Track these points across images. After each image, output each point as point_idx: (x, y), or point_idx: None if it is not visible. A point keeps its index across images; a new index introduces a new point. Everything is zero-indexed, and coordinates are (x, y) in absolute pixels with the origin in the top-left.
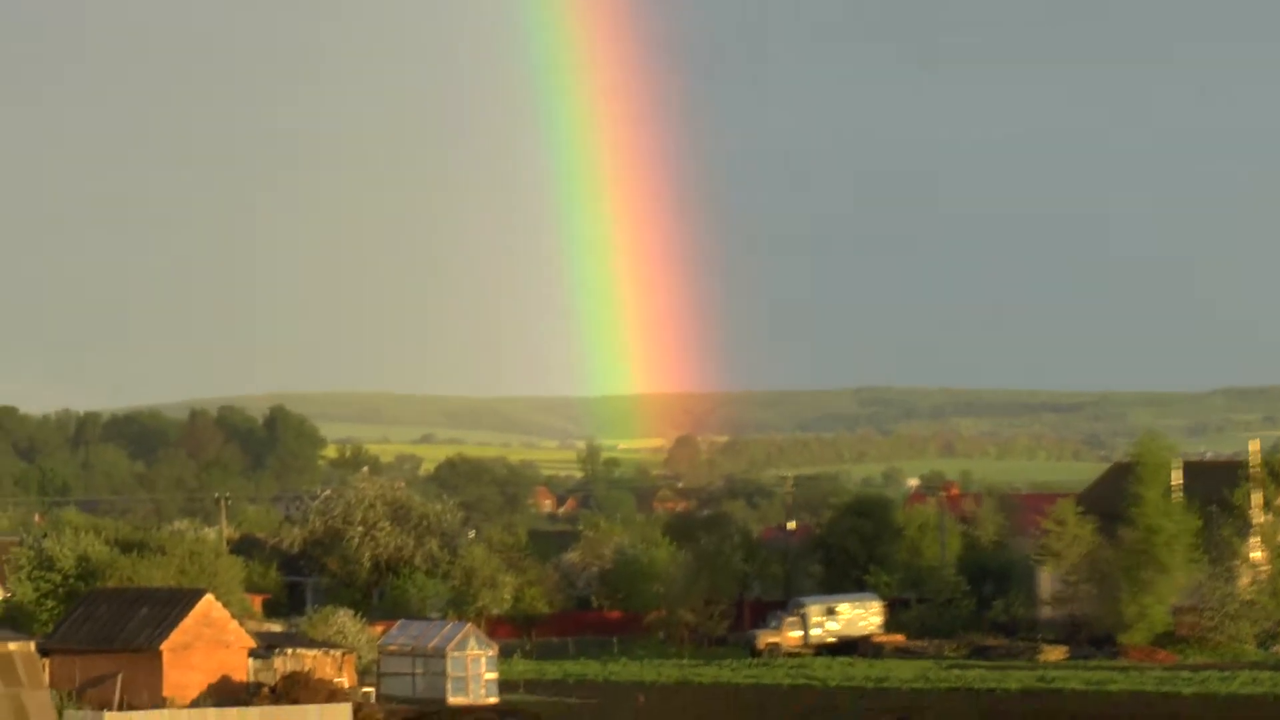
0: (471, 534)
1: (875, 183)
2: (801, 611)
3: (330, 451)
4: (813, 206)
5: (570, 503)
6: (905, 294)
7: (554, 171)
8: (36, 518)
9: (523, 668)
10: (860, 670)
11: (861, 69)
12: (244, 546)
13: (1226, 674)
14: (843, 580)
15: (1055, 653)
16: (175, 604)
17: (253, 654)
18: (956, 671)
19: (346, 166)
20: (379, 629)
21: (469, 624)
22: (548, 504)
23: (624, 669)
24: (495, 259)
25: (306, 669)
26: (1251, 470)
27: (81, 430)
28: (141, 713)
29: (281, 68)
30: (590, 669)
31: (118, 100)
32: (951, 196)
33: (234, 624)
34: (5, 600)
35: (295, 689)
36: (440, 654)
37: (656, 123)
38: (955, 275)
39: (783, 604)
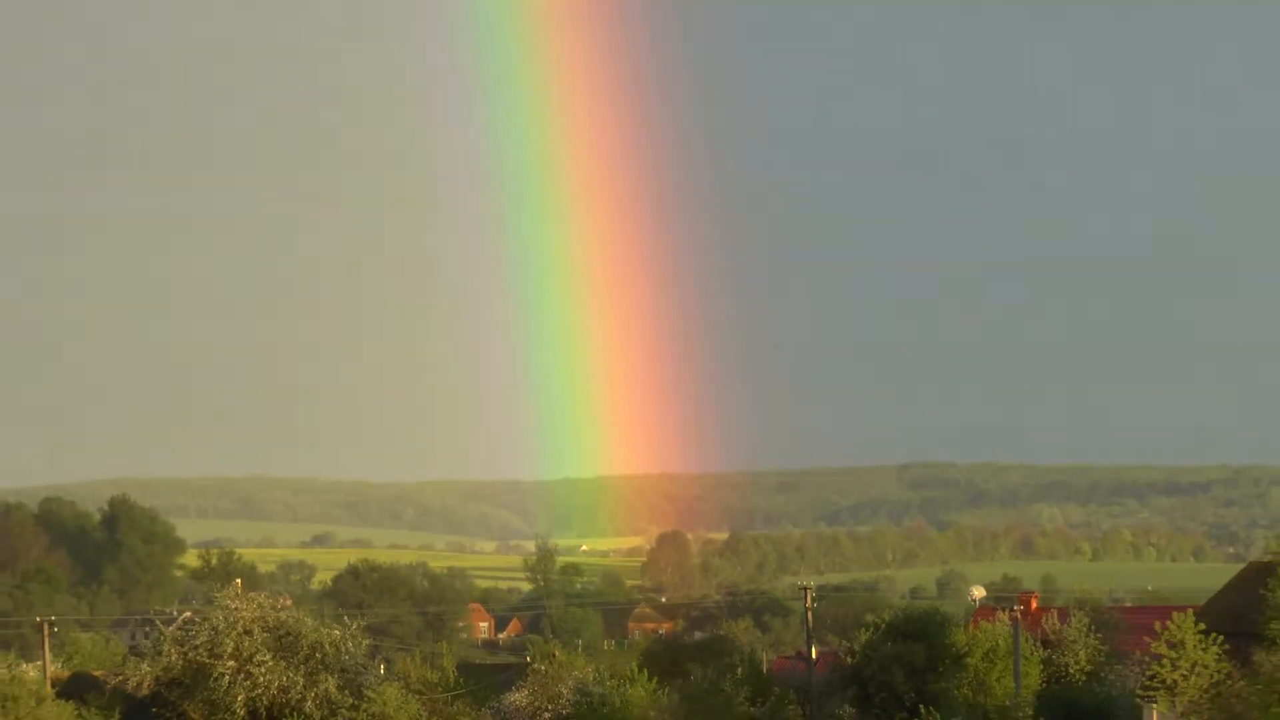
0: (381, 669)
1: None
2: None
3: (190, 559)
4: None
5: (514, 625)
6: (965, 336)
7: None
8: None
9: None
10: None
11: None
12: (75, 688)
13: None
14: None
15: None
16: None
17: None
18: None
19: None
20: None
21: None
22: (484, 627)
23: None
24: (408, 315)
25: None
26: None
27: None
28: None
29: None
30: None
31: None
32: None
33: None
34: None
35: None
36: None
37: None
38: (1031, 316)
39: None
